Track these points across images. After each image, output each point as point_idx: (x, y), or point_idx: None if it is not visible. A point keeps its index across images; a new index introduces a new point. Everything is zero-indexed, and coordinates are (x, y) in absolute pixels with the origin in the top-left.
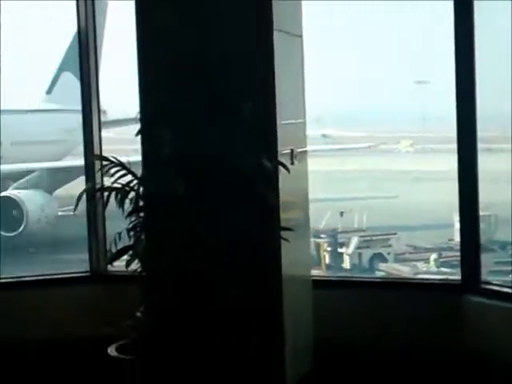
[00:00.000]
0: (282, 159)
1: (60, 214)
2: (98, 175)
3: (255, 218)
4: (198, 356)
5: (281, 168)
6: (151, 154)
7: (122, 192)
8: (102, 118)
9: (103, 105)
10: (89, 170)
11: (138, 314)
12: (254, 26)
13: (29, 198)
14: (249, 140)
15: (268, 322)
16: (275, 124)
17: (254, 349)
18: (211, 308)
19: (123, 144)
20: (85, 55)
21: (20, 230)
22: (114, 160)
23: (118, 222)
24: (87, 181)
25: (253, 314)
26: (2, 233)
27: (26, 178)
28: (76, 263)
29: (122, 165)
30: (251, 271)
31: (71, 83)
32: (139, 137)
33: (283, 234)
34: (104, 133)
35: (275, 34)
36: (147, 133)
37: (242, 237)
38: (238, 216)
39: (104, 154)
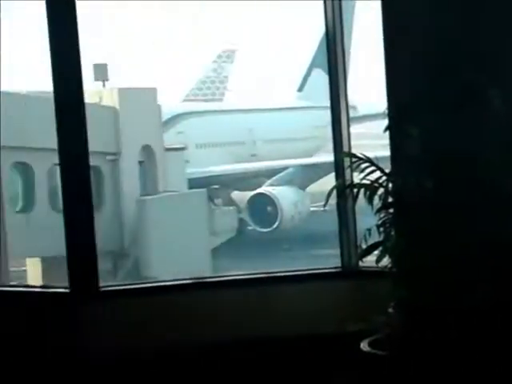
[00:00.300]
0: None
1: (312, 209)
2: (347, 171)
3: (506, 214)
4: (451, 353)
5: None
6: (400, 150)
7: (371, 188)
8: (352, 114)
9: (353, 101)
10: (338, 167)
11: (390, 309)
12: None
13: (283, 194)
14: (500, 133)
15: None
16: None
17: (503, 347)
18: (460, 305)
19: (372, 139)
20: (333, 53)
21: (274, 226)
22: (362, 156)
23: (367, 218)
24: (337, 177)
25: (501, 311)
26: (257, 228)
27: (280, 174)
28: (328, 258)
29: (370, 161)
30: (499, 268)
31: (322, 80)
32: (387, 132)
33: None
34: (354, 128)
35: None
36: (395, 128)
37: (489, 233)
38: (487, 212)
39: (353, 149)
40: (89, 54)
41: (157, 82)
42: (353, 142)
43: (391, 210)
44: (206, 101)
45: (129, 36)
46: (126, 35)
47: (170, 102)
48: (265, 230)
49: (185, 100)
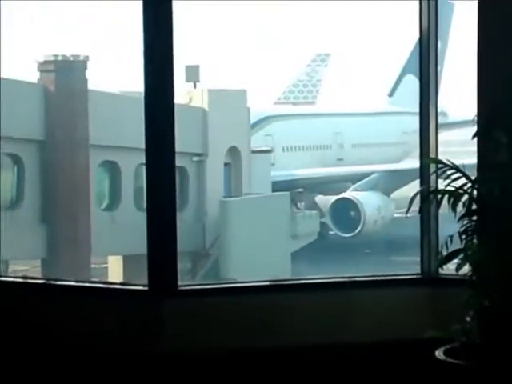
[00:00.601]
0: None
1: (396, 215)
2: (432, 177)
3: None
4: None
5: None
6: (486, 157)
7: (455, 195)
8: (441, 121)
9: (444, 107)
10: (423, 173)
11: (468, 318)
12: None
13: (366, 199)
14: None
15: None
16: None
17: None
18: None
19: (460, 146)
20: (425, 58)
21: (357, 231)
22: (448, 163)
23: (450, 225)
24: (422, 183)
25: None
26: (340, 233)
27: (365, 179)
28: (408, 265)
29: (456, 168)
30: None
31: (413, 85)
32: (475, 140)
33: None
34: (443, 135)
35: None
36: (483, 135)
37: None
38: None
39: (441, 155)
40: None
41: (248, 84)
42: (441, 149)
43: (474, 218)
44: (297, 104)
45: (223, 38)
46: (220, 37)
47: (259, 105)
48: (347, 234)
49: (276, 103)
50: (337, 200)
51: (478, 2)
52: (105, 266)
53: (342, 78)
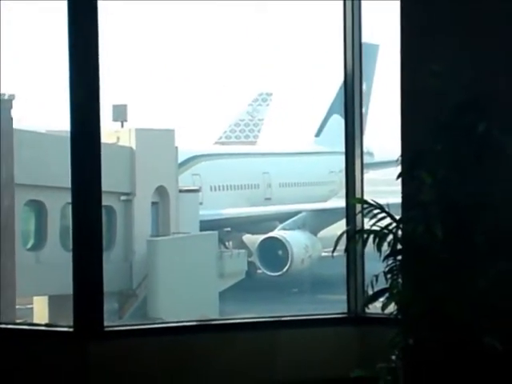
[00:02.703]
0: None
1: (323, 254)
2: (358, 217)
3: None
4: None
5: None
6: (411, 197)
7: (380, 235)
8: (368, 160)
9: (371, 147)
10: (349, 212)
11: (393, 357)
12: None
13: (294, 238)
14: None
15: None
16: None
17: None
18: (465, 355)
19: (386, 185)
20: (350, 98)
21: (284, 269)
22: (373, 203)
23: (377, 264)
24: (348, 223)
25: (509, 364)
26: (268, 272)
27: (292, 219)
28: (335, 303)
29: (380, 207)
30: (509, 318)
31: (339, 126)
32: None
33: None
34: (369, 174)
35: None
36: (407, 175)
37: (501, 284)
38: (497, 261)
39: (367, 195)
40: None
41: (184, 124)
42: (368, 188)
43: (399, 257)
44: (239, 144)
45: (158, 78)
46: (157, 77)
47: (187, 144)
48: (274, 273)
49: (217, 142)
50: (264, 239)
51: (401, 45)
52: (30, 306)
53: (281, 118)
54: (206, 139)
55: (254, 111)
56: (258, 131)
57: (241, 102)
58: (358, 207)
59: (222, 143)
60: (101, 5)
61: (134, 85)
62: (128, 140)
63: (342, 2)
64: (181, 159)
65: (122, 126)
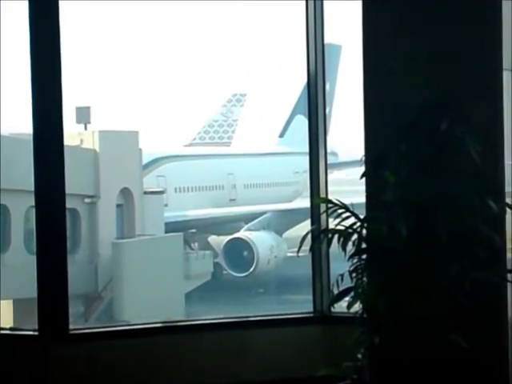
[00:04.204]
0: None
1: (289, 255)
2: (323, 217)
3: (479, 261)
4: None
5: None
6: (375, 197)
7: (345, 234)
8: (332, 160)
9: (335, 147)
10: (314, 212)
11: (359, 355)
12: (484, 65)
13: (259, 239)
14: (475, 182)
15: (491, 372)
16: (503, 165)
17: None
18: (430, 353)
19: (350, 185)
20: (313, 99)
21: (250, 270)
22: (337, 202)
23: (342, 264)
24: (312, 223)
25: (474, 362)
26: (233, 273)
27: (258, 219)
28: (301, 303)
29: (345, 207)
30: (473, 316)
31: (303, 126)
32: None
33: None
34: (333, 175)
35: (504, 74)
36: (371, 175)
37: (464, 281)
38: (460, 259)
39: (331, 195)
40: (73, 96)
41: (145, 125)
42: (332, 188)
43: (364, 256)
44: (212, 145)
45: (123, 79)
46: (122, 78)
47: (151, 146)
48: (240, 274)
49: (191, 144)
50: (230, 240)
51: (363, 45)
52: None
53: (253, 119)
54: (173, 141)
55: (228, 112)
56: (233, 132)
57: (214, 102)
58: (323, 207)
59: (196, 144)
60: (62, 4)
61: (98, 86)
62: (92, 142)
63: (304, 3)
64: (145, 161)
65: (86, 128)
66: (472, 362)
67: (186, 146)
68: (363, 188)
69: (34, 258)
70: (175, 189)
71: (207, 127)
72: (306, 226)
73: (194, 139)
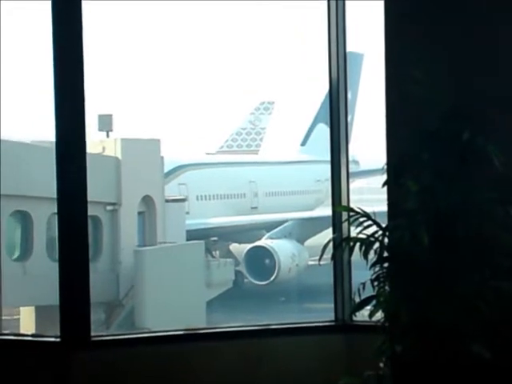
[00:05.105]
0: None
1: (310, 263)
2: (345, 225)
3: (501, 270)
4: None
5: None
6: (397, 205)
7: (367, 242)
8: (354, 169)
9: (357, 155)
10: (335, 221)
11: (381, 364)
12: (506, 75)
13: (281, 247)
14: (497, 191)
15: None
16: None
17: None
18: (452, 362)
19: (372, 194)
20: (335, 107)
21: (271, 278)
22: (359, 211)
23: (363, 272)
24: (334, 231)
25: (496, 371)
26: (254, 281)
27: (279, 227)
28: (323, 312)
29: (367, 215)
30: (496, 326)
31: (325, 135)
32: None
33: None
34: (355, 183)
35: None
36: (393, 183)
37: (488, 290)
38: (482, 268)
39: (353, 203)
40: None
41: (168, 133)
42: (353, 197)
43: (386, 265)
44: (240, 153)
45: (147, 87)
46: (145, 86)
47: (173, 153)
48: (262, 282)
49: (219, 151)
50: (251, 248)
51: (385, 54)
52: (17, 317)
53: (281, 127)
54: (196, 148)
55: (256, 120)
56: (260, 140)
57: (242, 110)
58: (345, 215)
59: (223, 152)
60: (85, 12)
61: (121, 94)
62: (114, 150)
63: (326, 12)
64: (167, 169)
65: (108, 136)
66: (494, 372)
67: (213, 153)
68: (384, 196)
69: (57, 265)
70: (197, 196)
71: (235, 135)
72: (327, 234)
73: (222, 147)
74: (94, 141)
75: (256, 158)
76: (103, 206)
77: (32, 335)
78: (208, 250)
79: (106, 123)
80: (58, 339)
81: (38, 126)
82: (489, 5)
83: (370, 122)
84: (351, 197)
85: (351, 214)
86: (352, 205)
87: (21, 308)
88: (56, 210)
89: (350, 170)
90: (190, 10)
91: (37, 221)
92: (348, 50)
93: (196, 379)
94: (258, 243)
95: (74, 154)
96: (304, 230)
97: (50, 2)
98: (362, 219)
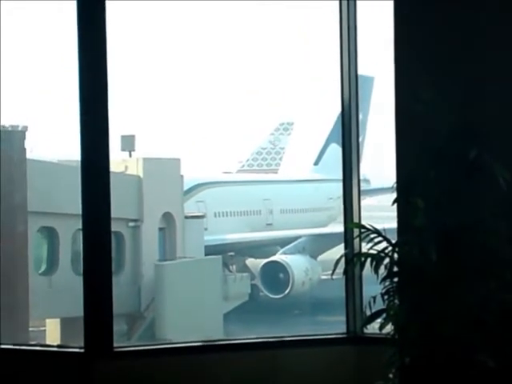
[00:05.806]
0: None
1: (323, 277)
2: (356, 241)
3: (506, 284)
4: None
5: None
6: (406, 222)
7: (377, 258)
8: (365, 187)
9: (368, 174)
10: (347, 237)
11: (391, 375)
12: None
13: (295, 262)
14: (502, 207)
15: None
16: None
17: None
18: (461, 374)
19: (382, 211)
20: (347, 128)
21: (286, 292)
22: (370, 227)
23: (374, 286)
24: (346, 246)
25: (504, 381)
26: (269, 294)
27: (293, 243)
28: (335, 324)
29: (377, 232)
30: (503, 338)
31: (337, 154)
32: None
33: None
34: (366, 201)
35: None
36: (402, 201)
37: (493, 302)
38: (488, 282)
39: (364, 220)
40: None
41: (188, 152)
42: (364, 214)
43: (395, 279)
44: (260, 172)
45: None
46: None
47: (192, 172)
48: (276, 296)
49: (240, 170)
50: (266, 263)
51: (395, 75)
52: (43, 328)
53: (300, 147)
54: (215, 167)
55: (276, 140)
56: (280, 159)
57: (262, 131)
58: (356, 232)
59: (244, 171)
60: (110, 34)
61: (144, 115)
62: (136, 169)
63: (338, 37)
64: (186, 187)
65: (130, 155)
66: (501, 383)
67: (234, 172)
68: (394, 214)
69: (81, 278)
70: (215, 213)
71: (255, 154)
72: (339, 250)
73: (243, 166)
74: (117, 160)
75: (271, 176)
76: (126, 223)
77: (57, 346)
78: (225, 265)
79: (128, 143)
80: (82, 350)
81: (65, 146)
82: (500, 31)
83: (380, 142)
84: (362, 214)
85: (362, 230)
86: (363, 222)
87: (47, 320)
88: (81, 226)
89: (362, 189)
90: (207, 30)
91: (62, 236)
92: (359, 73)
93: None
94: (272, 258)
95: (99, 172)
96: (317, 245)
97: (75, 32)
98: (372, 235)
